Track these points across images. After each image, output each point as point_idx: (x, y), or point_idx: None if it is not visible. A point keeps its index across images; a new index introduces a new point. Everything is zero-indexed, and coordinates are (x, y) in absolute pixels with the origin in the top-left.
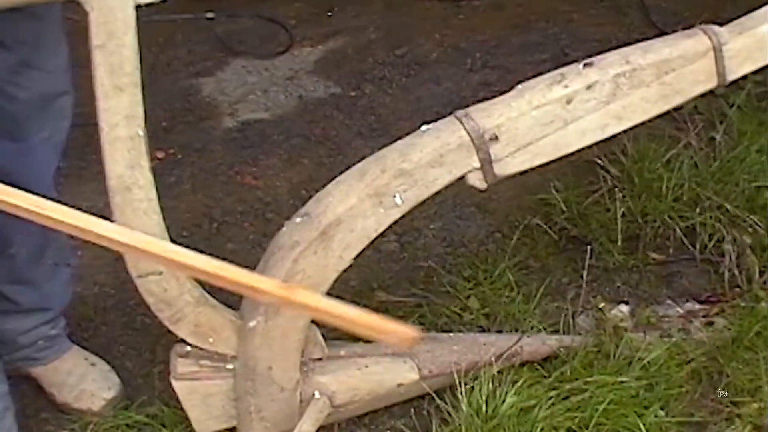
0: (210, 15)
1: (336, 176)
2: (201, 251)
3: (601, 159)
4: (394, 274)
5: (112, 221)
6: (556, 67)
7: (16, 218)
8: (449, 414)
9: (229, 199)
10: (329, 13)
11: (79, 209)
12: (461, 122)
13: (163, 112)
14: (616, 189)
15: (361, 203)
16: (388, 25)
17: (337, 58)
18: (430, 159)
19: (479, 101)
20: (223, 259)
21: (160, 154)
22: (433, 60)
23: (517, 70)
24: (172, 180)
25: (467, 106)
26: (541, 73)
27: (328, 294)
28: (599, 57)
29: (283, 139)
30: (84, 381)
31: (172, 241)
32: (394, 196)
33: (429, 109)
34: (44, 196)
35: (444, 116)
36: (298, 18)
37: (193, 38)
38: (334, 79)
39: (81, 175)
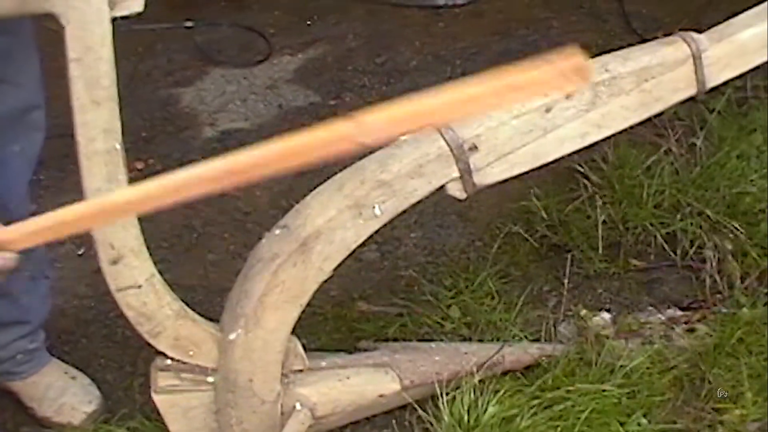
0: (189, 24)
1: (316, 186)
2: (182, 263)
3: (581, 166)
4: (375, 283)
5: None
6: None
7: None
8: (431, 424)
9: (209, 209)
10: (309, 22)
11: None
12: (440, 132)
13: (142, 122)
14: (597, 196)
15: (341, 215)
16: (368, 33)
17: (317, 66)
18: (409, 170)
19: None
20: (204, 270)
21: (139, 165)
22: (413, 68)
23: None
24: None
25: None
26: None
27: (309, 305)
28: None
29: None
30: (64, 395)
31: (152, 252)
32: (374, 207)
33: None
34: (18, 208)
35: None
36: (278, 26)
37: (172, 47)
38: (314, 88)
39: (60, 187)
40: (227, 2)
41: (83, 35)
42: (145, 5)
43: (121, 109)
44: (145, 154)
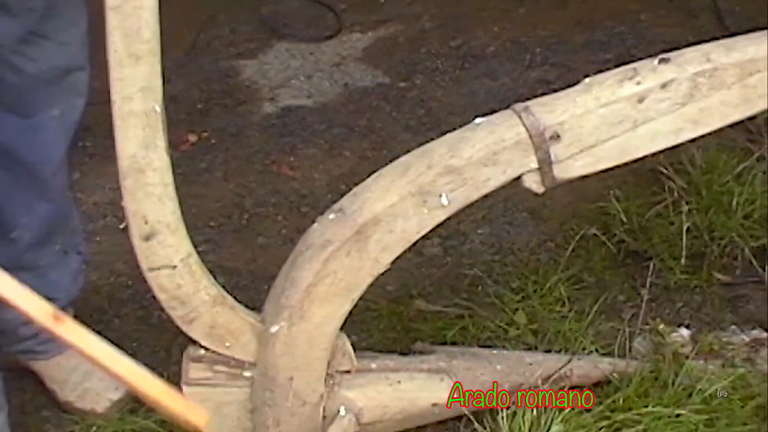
0: None
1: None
2: (228, 244)
3: (666, 168)
4: (436, 280)
5: None
6: None
7: (21, 199)
8: None
9: (262, 189)
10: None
11: (105, 190)
12: (520, 117)
13: (199, 93)
14: (682, 201)
15: (403, 201)
16: (444, 15)
17: (388, 46)
18: (482, 156)
19: None
20: (252, 253)
21: (192, 138)
22: (490, 53)
23: (578, 69)
24: (202, 166)
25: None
26: None
27: (362, 299)
28: (677, 53)
29: (325, 129)
30: (89, 379)
31: (198, 231)
32: (440, 196)
33: (483, 104)
34: (54, 178)
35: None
36: (349, 2)
37: (237, 18)
38: (383, 68)
39: (106, 155)
40: None
41: None
42: None
43: (177, 78)
44: (200, 126)
